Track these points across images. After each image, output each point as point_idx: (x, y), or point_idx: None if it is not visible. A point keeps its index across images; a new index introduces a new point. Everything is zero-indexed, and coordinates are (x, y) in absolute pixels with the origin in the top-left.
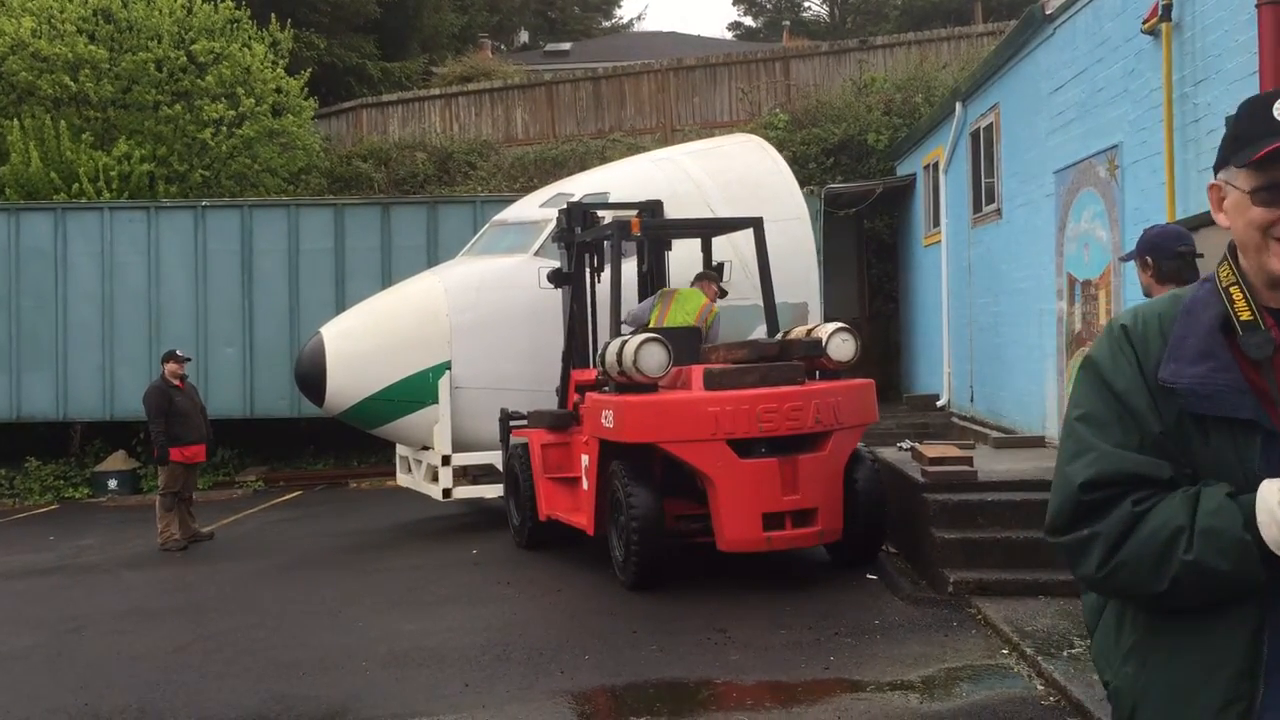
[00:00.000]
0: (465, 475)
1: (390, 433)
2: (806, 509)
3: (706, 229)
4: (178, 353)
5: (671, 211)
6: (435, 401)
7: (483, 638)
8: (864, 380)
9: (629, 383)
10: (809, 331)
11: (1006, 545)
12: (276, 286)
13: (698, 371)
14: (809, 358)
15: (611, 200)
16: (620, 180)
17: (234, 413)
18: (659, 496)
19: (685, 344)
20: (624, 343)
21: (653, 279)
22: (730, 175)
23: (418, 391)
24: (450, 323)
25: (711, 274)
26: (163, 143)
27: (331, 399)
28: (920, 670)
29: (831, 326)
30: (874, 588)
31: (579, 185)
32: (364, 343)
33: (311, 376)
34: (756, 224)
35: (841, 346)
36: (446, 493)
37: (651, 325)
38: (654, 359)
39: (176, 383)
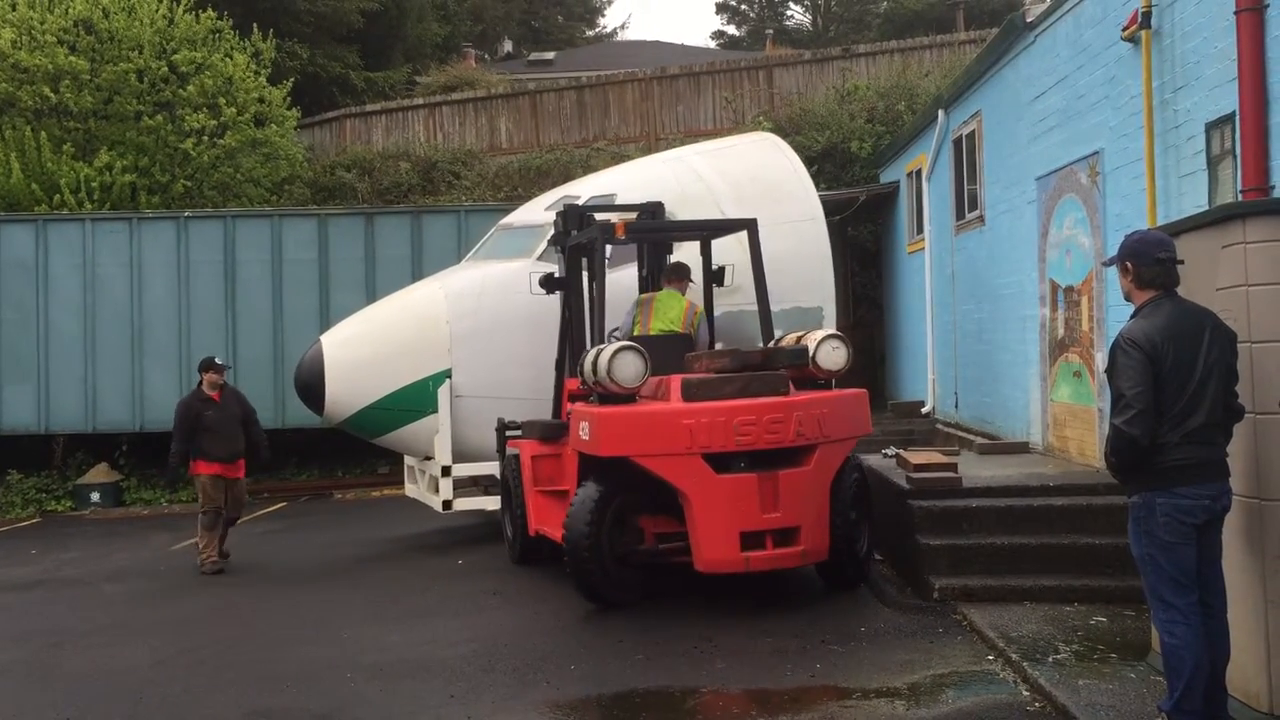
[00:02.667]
0: (478, 485)
1: (392, 442)
2: (788, 528)
3: (698, 231)
4: (216, 361)
5: (681, 213)
6: (436, 410)
7: (468, 648)
8: (855, 390)
9: (608, 393)
10: (799, 339)
11: (992, 551)
12: (260, 297)
13: (677, 381)
14: (794, 367)
15: (618, 202)
16: (629, 182)
17: None
18: (601, 515)
19: (672, 352)
20: (599, 352)
21: (653, 283)
22: (742, 175)
23: (418, 400)
24: (450, 330)
25: (682, 267)
26: (144, 153)
27: (331, 408)
28: (906, 677)
29: (821, 333)
30: (860, 595)
31: (586, 187)
32: (363, 351)
33: (311, 386)
34: (750, 225)
35: (831, 355)
36: (447, 504)
37: (636, 334)
38: (629, 368)
39: (212, 394)
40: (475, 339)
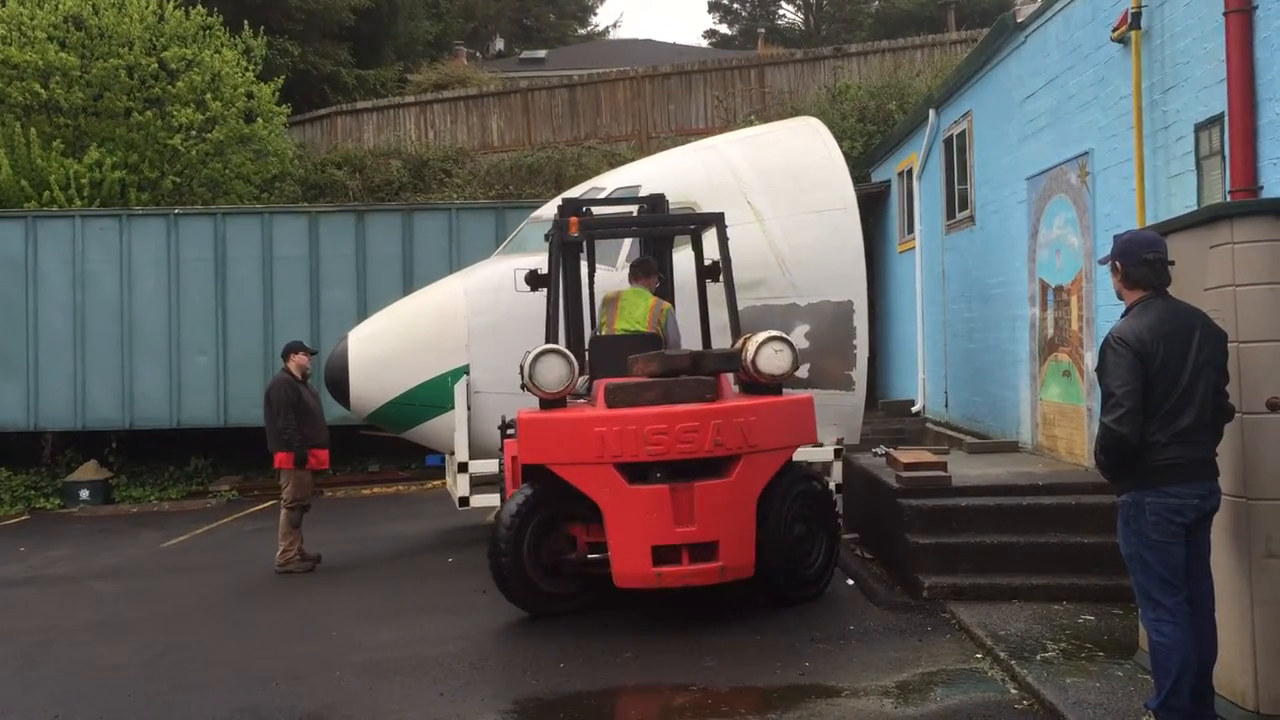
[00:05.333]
0: None
1: (417, 436)
2: (705, 542)
3: (656, 226)
4: (305, 345)
5: (708, 205)
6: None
7: (458, 646)
8: (798, 396)
9: (537, 397)
10: (744, 340)
11: (981, 550)
12: (250, 295)
13: (602, 386)
14: (724, 372)
15: (643, 194)
16: (658, 173)
17: (207, 421)
18: (523, 521)
19: (635, 353)
20: (527, 354)
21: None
22: (773, 164)
23: (438, 396)
24: (468, 325)
25: (647, 264)
26: (134, 150)
27: (356, 403)
28: (895, 675)
29: (762, 336)
30: (849, 593)
31: (614, 179)
32: (386, 346)
33: (337, 380)
34: (718, 220)
35: (773, 359)
36: (464, 500)
37: (603, 334)
38: (551, 373)
39: (300, 378)
40: (492, 334)
